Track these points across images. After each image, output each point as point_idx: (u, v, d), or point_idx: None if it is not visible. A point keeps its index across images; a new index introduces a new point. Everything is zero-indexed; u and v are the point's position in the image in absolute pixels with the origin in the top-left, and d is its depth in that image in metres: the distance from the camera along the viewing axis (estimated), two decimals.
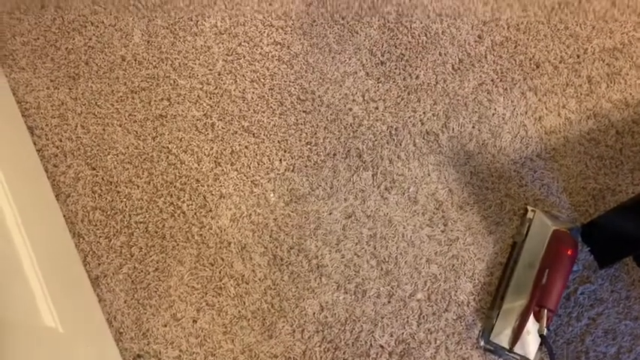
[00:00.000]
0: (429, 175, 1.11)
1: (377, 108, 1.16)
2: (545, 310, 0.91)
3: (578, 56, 1.17)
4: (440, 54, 1.19)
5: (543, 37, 1.19)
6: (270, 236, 1.09)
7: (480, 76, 1.17)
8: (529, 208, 1.06)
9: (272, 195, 1.12)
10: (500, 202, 1.09)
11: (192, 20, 1.23)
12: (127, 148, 1.15)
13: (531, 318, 0.95)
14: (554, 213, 1.06)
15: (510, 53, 1.18)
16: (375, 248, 1.07)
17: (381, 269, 1.06)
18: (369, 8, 1.22)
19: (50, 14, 1.25)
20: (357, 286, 1.05)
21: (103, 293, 1.07)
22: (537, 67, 1.17)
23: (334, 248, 1.08)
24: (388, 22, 1.21)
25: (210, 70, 1.20)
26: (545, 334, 0.89)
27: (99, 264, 1.09)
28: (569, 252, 0.93)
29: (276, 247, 1.08)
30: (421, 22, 1.21)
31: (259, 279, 1.06)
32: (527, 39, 1.19)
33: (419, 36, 1.20)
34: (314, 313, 1.04)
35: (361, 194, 1.11)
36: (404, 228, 1.08)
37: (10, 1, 1.25)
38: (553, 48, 1.18)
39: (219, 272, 1.07)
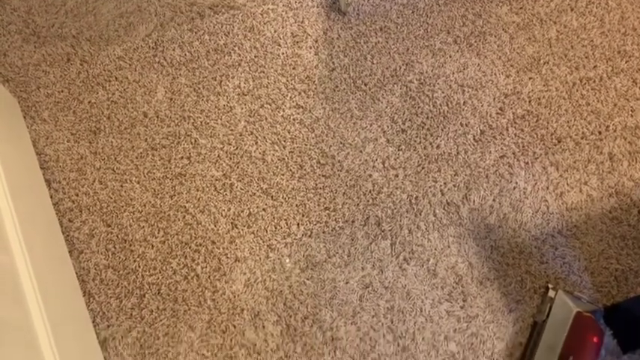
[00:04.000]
0: (449, 247, 1.09)
1: (397, 176, 1.15)
2: None
3: (600, 133, 1.17)
4: (461, 124, 1.19)
5: (565, 112, 1.19)
6: (285, 304, 1.06)
7: (502, 149, 1.16)
8: (550, 286, 1.04)
9: (288, 260, 1.10)
10: (521, 279, 1.06)
11: (215, 80, 1.24)
12: (144, 205, 1.14)
13: None
14: (576, 294, 1.03)
15: (532, 127, 1.18)
16: (392, 322, 1.04)
17: (398, 345, 1.03)
18: (392, 76, 1.23)
19: (76, 68, 1.26)
20: None
21: (111, 357, 1.04)
22: (559, 142, 1.16)
23: (350, 320, 1.05)
24: (410, 90, 1.22)
25: (231, 130, 1.20)
26: None
27: (108, 325, 1.06)
28: (595, 339, 0.91)
29: (290, 317, 1.05)
30: (443, 92, 1.22)
31: (271, 349, 1.03)
32: (549, 113, 1.19)
33: (440, 105, 1.21)
34: None
35: (379, 264, 1.09)
36: (422, 302, 1.05)
37: (36, 53, 1.27)
38: (574, 124, 1.18)
39: (231, 340, 1.04)
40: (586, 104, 1.19)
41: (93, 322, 1.06)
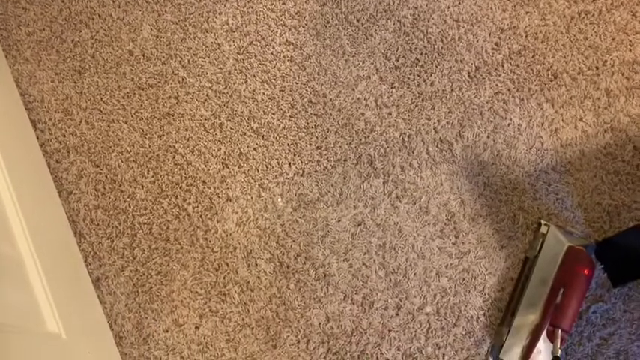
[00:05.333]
0: (442, 184, 1.08)
1: (390, 114, 1.13)
2: (560, 331, 0.89)
3: (597, 68, 1.14)
4: (456, 61, 1.16)
5: (562, 47, 1.16)
6: (277, 242, 1.06)
7: (497, 85, 1.14)
8: (542, 222, 1.04)
9: (280, 200, 1.09)
10: (514, 215, 1.06)
11: (202, 16, 1.20)
12: (133, 146, 1.13)
13: (542, 336, 0.92)
14: (568, 229, 1.03)
15: (528, 62, 1.15)
16: (384, 258, 1.04)
17: (390, 280, 1.03)
18: (385, 11, 1.19)
19: (57, 5, 1.21)
20: (364, 297, 1.03)
21: (104, 295, 1.04)
22: (555, 77, 1.14)
23: (342, 257, 1.05)
24: (404, 25, 1.18)
25: (220, 68, 1.17)
26: (559, 355, 0.87)
27: (100, 265, 1.06)
28: (585, 271, 0.91)
29: (283, 254, 1.06)
30: (438, 28, 1.18)
31: (264, 286, 1.04)
32: (546, 48, 1.16)
33: (435, 41, 1.17)
34: (320, 324, 1.02)
35: (371, 202, 1.08)
36: (414, 239, 1.05)
37: None
38: (571, 59, 1.15)
39: (224, 278, 1.05)
40: (584, 39, 1.16)
41: (85, 261, 1.06)
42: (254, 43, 1.19)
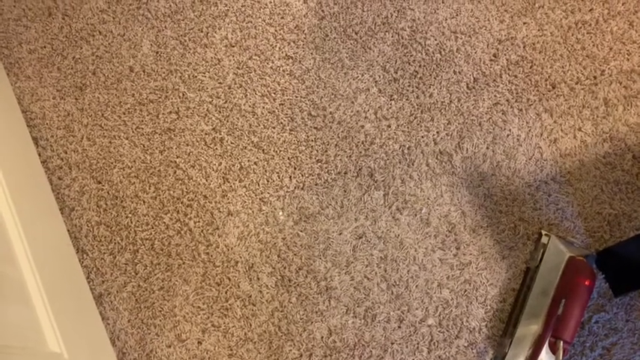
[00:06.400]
0: (442, 196, 1.09)
1: (389, 126, 1.14)
2: (562, 342, 0.89)
3: (595, 77, 1.15)
4: (454, 72, 1.17)
5: (559, 57, 1.16)
6: (279, 256, 1.07)
7: (495, 96, 1.14)
8: (543, 232, 1.04)
9: (281, 213, 1.09)
10: (514, 225, 1.06)
11: (202, 31, 1.21)
12: (134, 161, 1.13)
13: (545, 348, 0.92)
14: (569, 239, 1.03)
15: (526, 73, 1.16)
16: (385, 271, 1.05)
17: (392, 293, 1.03)
18: (383, 24, 1.20)
19: (58, 22, 1.22)
20: (366, 310, 1.03)
21: (106, 312, 1.05)
22: (553, 87, 1.14)
23: (344, 270, 1.05)
24: (402, 38, 1.19)
25: (220, 83, 1.18)
26: None
27: (103, 281, 1.06)
28: (586, 282, 0.91)
29: (284, 268, 1.06)
30: (436, 39, 1.19)
31: (266, 300, 1.04)
32: (543, 59, 1.16)
33: (433, 53, 1.18)
34: (322, 337, 1.02)
35: (372, 214, 1.08)
36: (415, 250, 1.06)
37: (17, 7, 1.23)
38: (569, 69, 1.15)
39: (226, 292, 1.05)
40: (581, 48, 1.17)
41: (87, 278, 1.07)
42: (253, 57, 1.19)
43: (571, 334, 0.89)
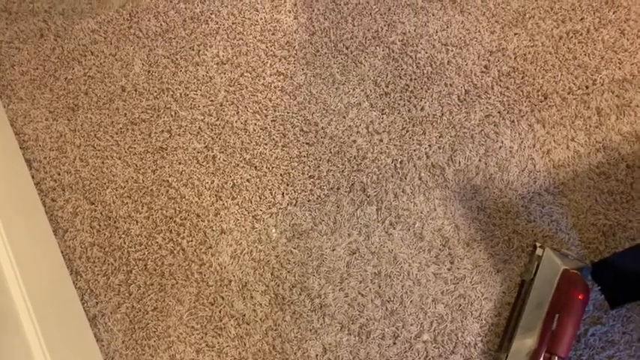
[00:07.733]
0: (435, 210, 1.08)
1: (381, 140, 1.14)
2: (557, 358, 0.88)
3: (587, 87, 1.14)
4: (446, 85, 1.16)
5: (551, 68, 1.16)
6: (272, 274, 1.06)
7: (487, 108, 1.14)
8: (537, 245, 1.03)
9: (274, 230, 1.09)
10: (508, 238, 1.06)
11: (193, 50, 1.21)
12: (127, 181, 1.13)
13: None
14: (563, 251, 1.03)
15: (517, 84, 1.15)
16: (379, 287, 1.04)
17: (386, 309, 1.03)
18: (374, 38, 1.20)
19: (50, 43, 1.23)
20: (361, 326, 1.02)
21: (101, 333, 1.05)
22: (545, 98, 1.14)
23: (338, 287, 1.05)
24: (393, 52, 1.19)
25: (212, 101, 1.18)
26: None
27: (97, 303, 1.06)
28: (580, 297, 0.90)
29: (278, 286, 1.06)
30: (426, 52, 1.19)
31: (260, 319, 1.04)
32: (535, 69, 1.16)
33: (424, 66, 1.18)
34: (317, 356, 1.01)
35: (365, 230, 1.08)
36: (409, 265, 1.05)
37: (9, 30, 1.24)
38: (561, 79, 1.15)
39: (220, 312, 1.05)
40: (573, 58, 1.16)
41: (81, 299, 1.06)
42: (245, 74, 1.20)
43: (565, 349, 0.89)
